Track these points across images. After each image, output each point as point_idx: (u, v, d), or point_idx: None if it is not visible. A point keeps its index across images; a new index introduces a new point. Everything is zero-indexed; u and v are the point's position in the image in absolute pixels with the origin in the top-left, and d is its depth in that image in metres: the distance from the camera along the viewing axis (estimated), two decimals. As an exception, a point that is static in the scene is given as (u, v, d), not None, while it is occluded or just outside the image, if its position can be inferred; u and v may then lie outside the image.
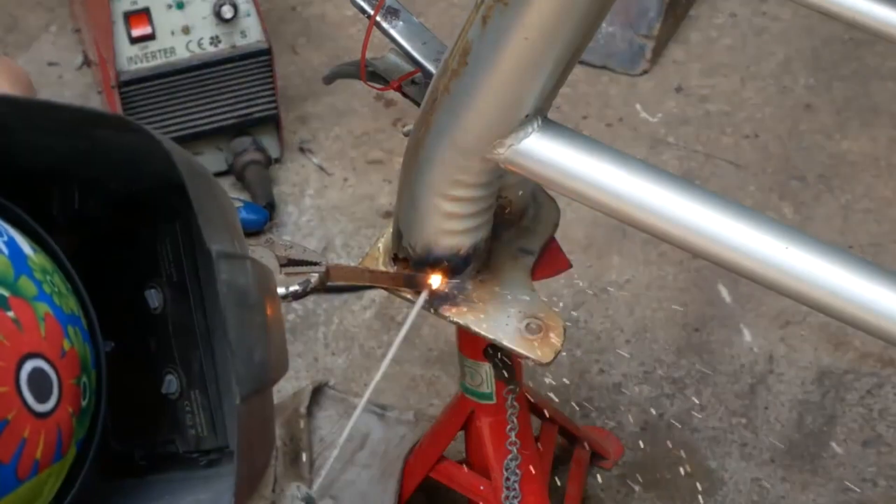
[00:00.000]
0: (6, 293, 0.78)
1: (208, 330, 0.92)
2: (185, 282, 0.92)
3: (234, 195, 2.54)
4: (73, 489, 0.83)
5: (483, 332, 1.52)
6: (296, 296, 1.29)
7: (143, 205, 0.94)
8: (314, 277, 1.31)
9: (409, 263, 1.53)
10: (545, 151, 1.31)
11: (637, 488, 2.17)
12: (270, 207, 2.52)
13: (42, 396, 0.78)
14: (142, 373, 0.92)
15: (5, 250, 0.80)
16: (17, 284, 0.79)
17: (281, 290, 1.28)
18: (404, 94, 1.64)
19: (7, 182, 0.88)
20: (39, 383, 0.78)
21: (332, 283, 1.36)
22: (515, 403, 1.76)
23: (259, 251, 1.28)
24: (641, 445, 2.22)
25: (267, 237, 1.31)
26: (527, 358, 1.50)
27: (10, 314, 0.77)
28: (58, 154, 0.90)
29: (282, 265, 1.31)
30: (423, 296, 1.53)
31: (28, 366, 0.77)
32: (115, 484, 0.91)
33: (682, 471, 2.19)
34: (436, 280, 1.53)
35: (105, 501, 0.89)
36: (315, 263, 1.32)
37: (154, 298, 0.93)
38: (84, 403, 0.82)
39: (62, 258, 0.87)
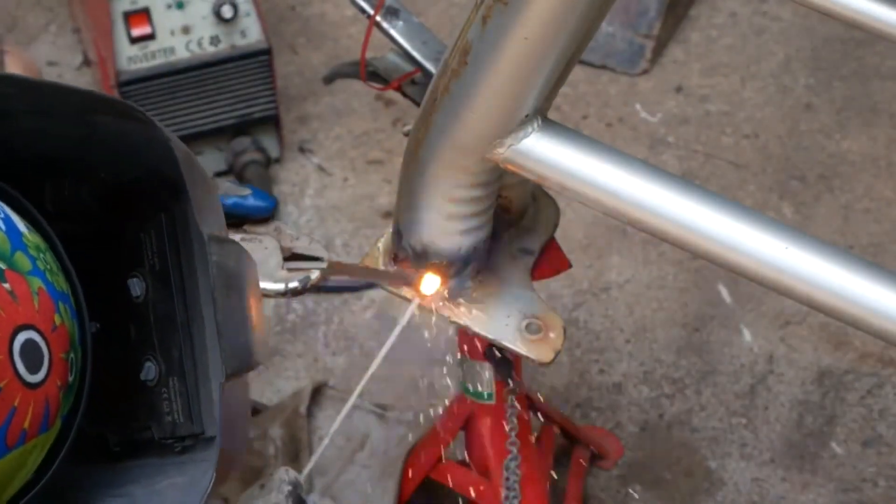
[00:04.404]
0: (3, 266, 0.80)
1: (188, 319, 0.93)
2: (168, 272, 0.94)
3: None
4: (55, 463, 0.85)
5: (483, 333, 1.52)
6: (295, 292, 1.29)
7: (131, 195, 0.95)
8: (314, 274, 1.31)
9: (409, 264, 1.53)
10: (545, 151, 1.31)
11: (637, 488, 2.17)
12: (270, 207, 2.52)
13: (33, 367, 0.81)
14: (121, 359, 0.94)
15: (2, 226, 0.82)
16: (13, 259, 0.81)
17: (280, 287, 1.29)
18: (404, 94, 1.64)
19: (3, 165, 0.89)
20: (31, 354, 0.81)
21: (333, 284, 1.35)
22: (515, 403, 1.76)
23: (265, 241, 1.28)
24: (641, 445, 2.22)
25: (276, 224, 1.31)
26: (527, 358, 1.50)
27: (6, 286, 0.79)
28: (56, 141, 0.91)
29: (285, 258, 1.30)
30: (422, 297, 1.53)
31: (21, 337, 0.80)
32: (89, 469, 0.93)
33: (682, 471, 2.19)
34: (436, 280, 1.53)
35: (79, 486, 0.91)
36: (318, 258, 1.31)
37: (136, 287, 0.95)
38: (71, 379, 0.85)
39: (54, 239, 0.89)
